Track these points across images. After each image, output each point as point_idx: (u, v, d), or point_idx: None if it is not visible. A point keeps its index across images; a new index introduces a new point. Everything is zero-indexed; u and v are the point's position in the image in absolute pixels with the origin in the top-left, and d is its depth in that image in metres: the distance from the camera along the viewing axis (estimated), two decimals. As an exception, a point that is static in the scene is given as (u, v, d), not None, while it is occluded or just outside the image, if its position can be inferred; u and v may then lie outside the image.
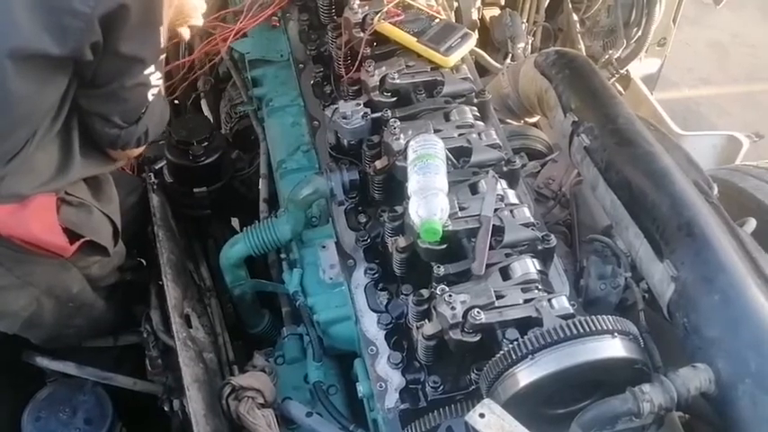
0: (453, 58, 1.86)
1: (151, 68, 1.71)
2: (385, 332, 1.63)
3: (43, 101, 1.63)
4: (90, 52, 1.56)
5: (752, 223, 1.89)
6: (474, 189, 1.60)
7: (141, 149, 1.95)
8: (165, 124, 1.98)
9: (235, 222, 2.65)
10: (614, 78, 3.23)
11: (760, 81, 4.98)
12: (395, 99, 1.82)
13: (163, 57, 1.76)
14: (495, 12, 3.10)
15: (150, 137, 1.87)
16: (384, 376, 1.57)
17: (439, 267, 1.49)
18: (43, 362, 2.19)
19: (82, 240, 1.85)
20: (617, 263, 1.77)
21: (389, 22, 1.90)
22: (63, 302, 1.98)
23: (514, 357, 1.31)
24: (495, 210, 1.55)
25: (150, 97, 1.76)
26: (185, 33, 2.02)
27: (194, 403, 1.68)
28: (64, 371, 2.19)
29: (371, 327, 1.64)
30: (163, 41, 1.71)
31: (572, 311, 1.41)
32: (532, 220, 1.57)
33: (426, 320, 1.50)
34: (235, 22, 2.42)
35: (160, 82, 1.77)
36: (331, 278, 1.86)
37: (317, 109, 2.13)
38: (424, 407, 1.52)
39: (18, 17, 1.48)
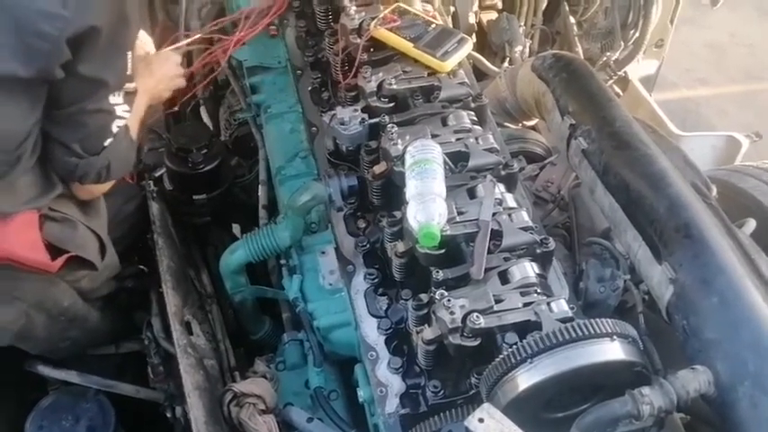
0: (450, 63, 1.86)
1: (117, 98, 1.68)
2: (385, 337, 1.63)
3: (18, 123, 1.60)
4: (60, 71, 1.54)
5: (751, 224, 1.89)
6: (472, 193, 1.61)
7: (103, 187, 1.88)
8: (131, 164, 1.91)
9: (236, 229, 2.65)
10: (612, 80, 3.23)
11: (758, 81, 4.98)
12: (392, 104, 1.83)
13: (132, 86, 1.73)
14: (493, 15, 3.10)
15: (113, 174, 1.79)
16: (384, 381, 1.58)
17: (438, 272, 1.50)
18: (45, 370, 2.20)
19: (67, 256, 1.84)
20: (616, 265, 1.77)
21: (386, 28, 1.91)
22: (54, 316, 1.98)
23: (514, 361, 1.32)
24: (494, 214, 1.55)
25: (114, 129, 1.71)
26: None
27: (195, 410, 1.68)
28: (66, 379, 2.20)
29: (371, 332, 1.65)
30: (130, 68, 1.68)
31: (571, 315, 1.41)
32: (531, 223, 1.57)
33: (426, 325, 1.50)
34: (233, 30, 2.42)
35: (127, 115, 1.73)
36: (331, 284, 1.86)
37: (315, 115, 2.13)
38: (424, 411, 1.53)
39: None
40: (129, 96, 1.72)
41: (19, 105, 1.58)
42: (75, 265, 1.90)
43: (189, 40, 2.38)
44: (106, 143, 1.72)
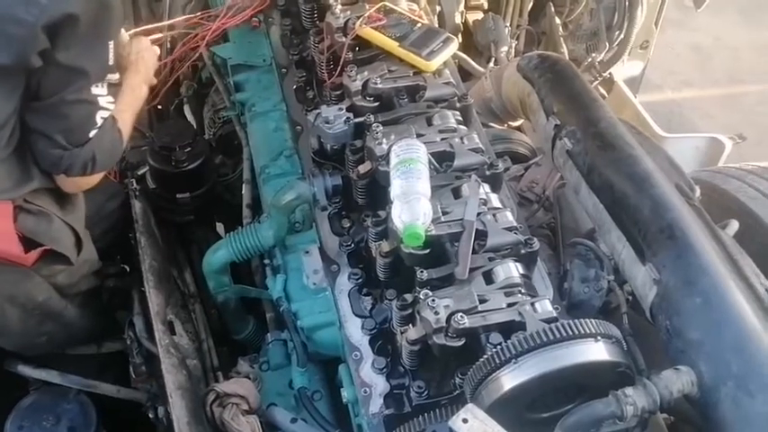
0: (435, 63, 1.86)
1: (99, 88, 1.67)
2: (369, 337, 1.63)
3: None
4: (38, 59, 1.54)
5: (734, 225, 1.90)
6: (457, 193, 1.60)
7: (91, 180, 1.84)
8: (117, 157, 1.89)
9: (220, 228, 2.64)
10: (597, 81, 3.24)
11: (741, 83, 5.02)
12: (377, 104, 1.83)
13: (115, 78, 1.72)
14: (479, 16, 3.11)
15: (98, 166, 1.77)
16: (368, 381, 1.57)
17: (422, 272, 1.50)
18: (26, 370, 2.18)
19: (42, 249, 1.82)
20: (600, 266, 1.77)
21: (371, 27, 1.90)
22: (29, 310, 1.95)
23: (498, 362, 1.31)
24: (478, 214, 1.55)
25: (99, 120, 1.70)
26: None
27: (177, 410, 1.67)
28: (47, 379, 2.18)
29: (355, 332, 1.64)
30: (111, 58, 1.66)
31: (555, 315, 1.41)
32: (515, 224, 1.57)
33: (410, 325, 1.49)
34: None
35: (112, 107, 1.72)
36: (315, 284, 1.86)
37: (299, 114, 2.12)
38: (408, 412, 1.52)
39: None
40: (114, 88, 1.72)
41: None
42: (50, 259, 1.88)
43: (168, 26, 2.37)
44: (91, 134, 1.71)
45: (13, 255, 1.78)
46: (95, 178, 1.84)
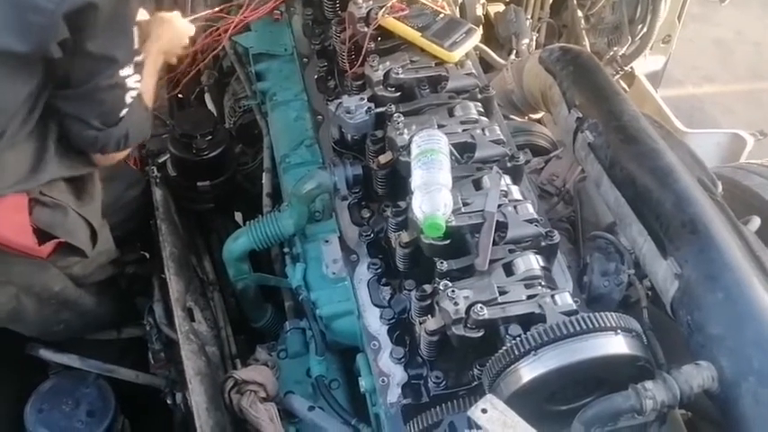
0: (458, 54, 1.85)
1: (127, 70, 1.69)
2: (387, 327, 1.63)
3: (9, 99, 1.61)
4: (58, 49, 1.55)
5: (756, 221, 1.88)
6: (477, 185, 1.60)
7: (123, 154, 1.91)
8: (147, 130, 1.93)
9: (238, 217, 2.65)
10: (619, 75, 3.22)
11: (764, 79, 4.97)
12: (399, 94, 1.82)
13: (140, 58, 1.75)
14: (500, 8, 3.09)
15: (131, 140, 1.83)
16: (386, 371, 1.57)
17: (442, 263, 1.49)
18: (46, 354, 2.20)
19: (56, 242, 1.84)
20: (620, 260, 1.76)
21: (394, 17, 1.90)
22: (44, 300, 1.98)
23: (517, 353, 1.31)
24: (499, 206, 1.55)
25: (128, 99, 1.73)
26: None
27: (196, 396, 1.68)
28: (67, 363, 2.20)
29: (374, 322, 1.64)
30: (137, 42, 1.70)
31: (575, 308, 1.41)
32: (536, 216, 1.56)
33: (429, 316, 1.50)
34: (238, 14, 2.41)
35: (139, 85, 1.75)
36: (334, 273, 1.86)
37: (320, 103, 2.12)
38: (426, 402, 1.52)
39: None
40: (139, 66, 1.74)
41: (12, 82, 1.59)
42: (65, 251, 1.90)
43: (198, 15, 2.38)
44: (122, 114, 1.75)
45: (28, 247, 1.80)
46: (128, 151, 1.92)
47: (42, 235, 1.81)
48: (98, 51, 1.61)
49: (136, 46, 1.70)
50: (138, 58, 1.73)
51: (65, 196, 1.86)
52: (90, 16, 1.53)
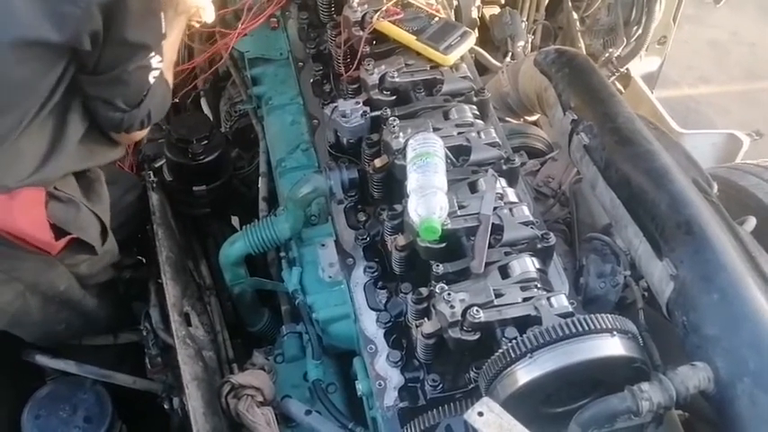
0: (453, 57, 1.86)
1: (155, 53, 1.73)
2: (384, 330, 1.63)
3: (38, 88, 1.64)
4: (88, 41, 1.57)
5: (752, 222, 1.89)
6: (473, 188, 1.60)
7: (144, 132, 1.97)
8: (167, 106, 1.97)
9: (234, 221, 2.65)
10: (614, 77, 3.22)
11: (759, 79, 4.98)
12: (394, 97, 1.82)
13: (164, 41, 1.77)
14: (495, 10, 3.10)
15: (153, 119, 1.87)
16: (383, 375, 1.58)
17: (438, 266, 1.50)
18: (43, 360, 2.19)
19: (68, 237, 1.85)
20: (616, 261, 1.77)
21: (389, 21, 1.90)
22: (48, 298, 1.98)
23: (513, 356, 1.31)
24: (495, 208, 1.55)
25: (151, 80, 1.77)
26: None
27: (193, 401, 1.68)
28: (64, 369, 2.19)
29: (371, 325, 1.65)
30: (164, 27, 1.73)
31: (571, 310, 1.41)
32: (532, 218, 1.57)
33: (425, 319, 1.50)
34: (235, 21, 2.41)
35: (161, 65, 1.77)
36: (330, 276, 1.86)
37: (316, 107, 2.13)
38: (423, 405, 1.53)
39: (17, 5, 1.50)
40: (160, 47, 1.76)
41: (45, 71, 1.62)
42: (75, 248, 1.90)
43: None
44: (145, 93, 1.78)
45: (44, 242, 1.81)
46: (149, 128, 1.95)
47: (55, 231, 1.82)
48: (136, 40, 1.65)
49: (163, 30, 1.73)
50: (163, 41, 1.76)
51: (77, 192, 1.87)
52: (122, 5, 1.56)
